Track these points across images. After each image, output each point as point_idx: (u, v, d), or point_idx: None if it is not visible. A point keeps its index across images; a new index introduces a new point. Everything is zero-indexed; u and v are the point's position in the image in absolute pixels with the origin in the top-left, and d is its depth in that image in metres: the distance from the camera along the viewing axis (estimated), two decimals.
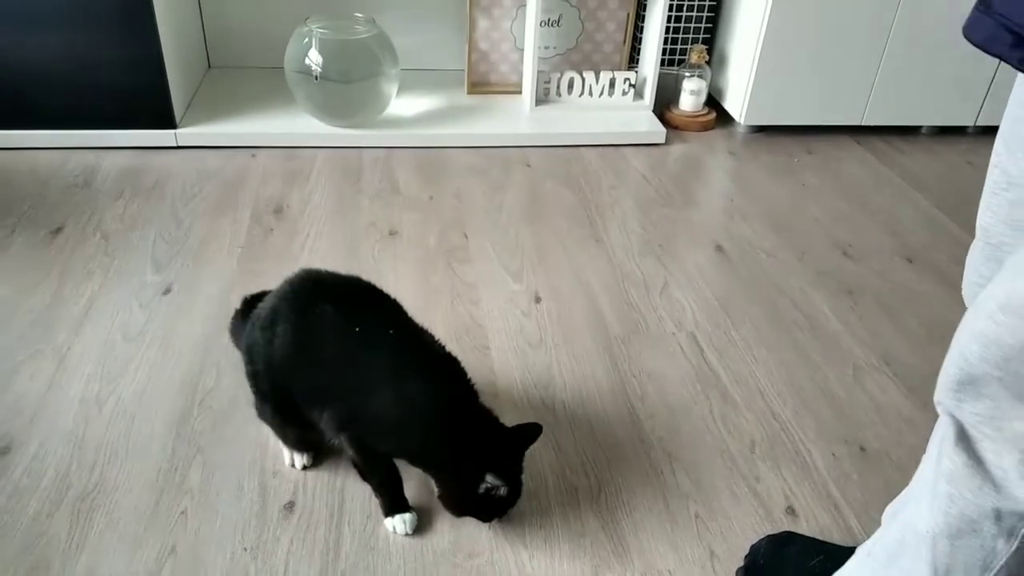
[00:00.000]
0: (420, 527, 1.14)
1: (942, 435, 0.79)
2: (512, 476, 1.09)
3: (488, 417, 1.12)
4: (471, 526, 1.14)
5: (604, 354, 1.49)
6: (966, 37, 0.73)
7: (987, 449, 0.74)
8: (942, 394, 0.78)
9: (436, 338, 1.16)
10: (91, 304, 1.53)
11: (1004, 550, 0.75)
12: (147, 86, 2.04)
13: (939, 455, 0.79)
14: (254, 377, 1.16)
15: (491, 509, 1.10)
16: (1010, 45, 0.68)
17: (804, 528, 1.17)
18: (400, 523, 1.12)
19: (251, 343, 1.14)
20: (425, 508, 1.16)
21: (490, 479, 1.06)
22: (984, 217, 0.83)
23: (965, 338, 0.74)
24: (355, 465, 1.14)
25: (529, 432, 1.12)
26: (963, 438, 0.76)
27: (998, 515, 0.74)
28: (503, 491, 1.07)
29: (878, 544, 0.89)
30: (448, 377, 1.12)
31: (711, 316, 1.62)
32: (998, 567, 0.76)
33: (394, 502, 1.13)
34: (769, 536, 1.13)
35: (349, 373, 1.08)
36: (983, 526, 0.75)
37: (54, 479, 1.17)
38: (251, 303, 1.36)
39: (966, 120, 2.44)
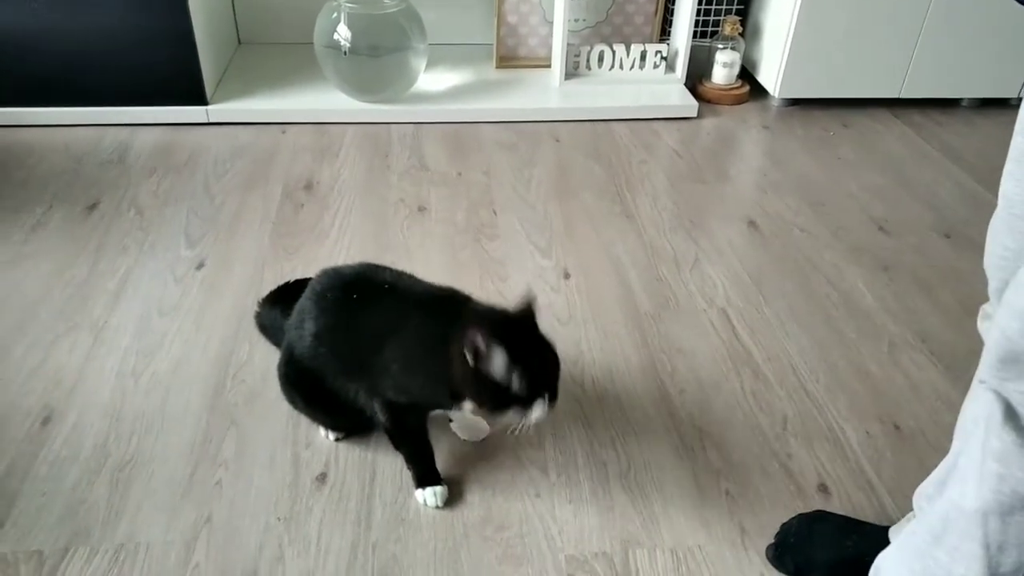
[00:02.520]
0: (451, 500, 1.14)
1: (988, 412, 0.77)
2: (529, 351, 1.03)
3: (486, 307, 1.09)
4: (501, 499, 1.15)
5: (634, 330, 1.49)
6: None
7: None
8: (985, 372, 0.77)
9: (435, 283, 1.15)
10: (126, 278, 1.56)
11: None
12: (179, 63, 2.05)
13: (987, 433, 0.77)
14: (286, 366, 1.19)
15: (519, 390, 1.01)
16: None
17: (837, 506, 1.16)
18: (431, 495, 1.13)
19: (288, 343, 1.18)
20: (456, 481, 1.17)
21: (513, 374, 0.99)
22: (1008, 184, 0.81)
23: (1006, 316, 0.73)
24: (388, 434, 1.15)
25: (527, 307, 1.06)
26: (1011, 416, 0.75)
27: None
28: (517, 382, 1.00)
29: (921, 524, 0.87)
30: (437, 302, 1.11)
31: (743, 292, 1.60)
32: None
33: (426, 474, 1.15)
34: (801, 514, 1.12)
35: (361, 340, 1.10)
36: None
37: (93, 449, 1.20)
38: (275, 296, 1.40)
39: (1009, 92, 2.37)
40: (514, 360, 1.00)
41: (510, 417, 1.04)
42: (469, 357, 1.00)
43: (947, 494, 0.84)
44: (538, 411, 1.03)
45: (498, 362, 1.00)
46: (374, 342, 1.09)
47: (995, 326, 0.75)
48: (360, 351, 1.10)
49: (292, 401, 1.23)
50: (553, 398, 1.04)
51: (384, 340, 1.08)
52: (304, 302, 1.16)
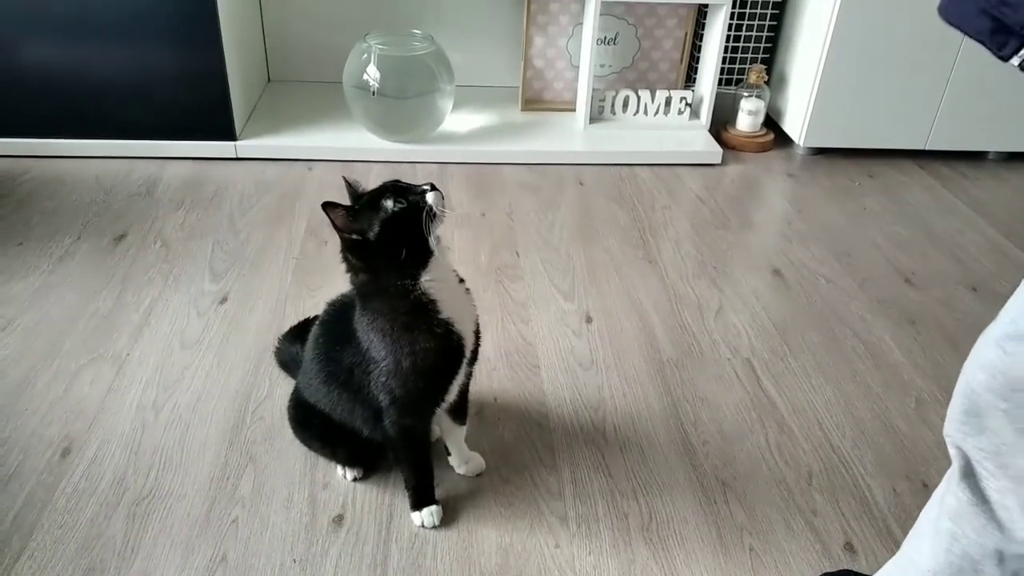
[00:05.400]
0: (469, 548, 1.13)
1: (950, 470, 0.77)
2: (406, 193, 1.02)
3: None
4: (519, 548, 1.13)
5: (656, 377, 1.47)
6: (941, 16, 0.70)
7: (991, 487, 0.72)
8: (950, 426, 0.76)
9: None
10: (151, 311, 1.57)
11: None
12: (210, 99, 2.09)
13: (944, 490, 0.77)
14: (295, 409, 1.22)
15: (397, 204, 1.01)
16: (990, 31, 0.66)
17: (863, 566, 1.13)
18: (428, 515, 1.14)
19: (296, 385, 1.21)
20: (474, 528, 1.15)
21: (385, 202, 1.00)
22: None
23: (972, 368, 0.73)
24: (392, 450, 1.15)
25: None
26: (969, 474, 0.74)
27: (1000, 557, 0.72)
28: (394, 204, 1.00)
29: None
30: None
31: (767, 342, 1.58)
32: None
33: (424, 494, 1.15)
34: (826, 573, 1.09)
35: (335, 365, 1.11)
36: (985, 567, 0.73)
37: (111, 483, 1.19)
38: (296, 332, 1.41)
39: None
40: (363, 196, 1.04)
41: (429, 231, 1.01)
42: (340, 227, 1.03)
43: (906, 549, 0.83)
44: (431, 197, 1.00)
45: (360, 210, 1.02)
46: (351, 352, 1.09)
47: (960, 379, 0.74)
48: (343, 366, 1.10)
49: (307, 442, 1.23)
50: (434, 187, 1.02)
51: (354, 346, 1.08)
52: (308, 347, 1.19)
